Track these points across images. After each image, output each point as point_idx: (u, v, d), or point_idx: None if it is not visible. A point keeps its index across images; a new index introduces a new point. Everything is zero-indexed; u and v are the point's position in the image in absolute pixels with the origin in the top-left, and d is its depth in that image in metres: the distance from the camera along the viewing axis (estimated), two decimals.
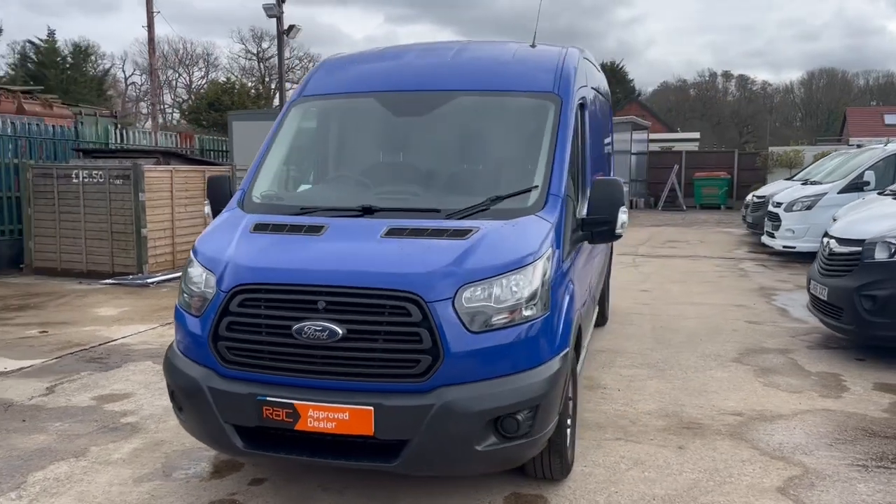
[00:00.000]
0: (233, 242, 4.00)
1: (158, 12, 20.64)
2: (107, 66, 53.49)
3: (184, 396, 3.83)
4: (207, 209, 4.85)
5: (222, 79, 52.67)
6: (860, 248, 6.78)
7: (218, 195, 4.77)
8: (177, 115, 55.84)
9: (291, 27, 21.64)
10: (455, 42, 5.45)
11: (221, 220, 4.39)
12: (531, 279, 3.72)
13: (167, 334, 7.57)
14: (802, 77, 73.06)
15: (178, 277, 4.25)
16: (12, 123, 12.11)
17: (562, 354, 3.86)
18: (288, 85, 35.01)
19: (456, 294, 3.54)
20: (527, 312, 3.68)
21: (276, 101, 41.06)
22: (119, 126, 16.38)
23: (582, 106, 5.29)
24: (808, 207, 13.27)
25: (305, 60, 54.70)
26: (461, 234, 3.84)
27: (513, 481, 4.24)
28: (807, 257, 11.08)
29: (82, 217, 11.23)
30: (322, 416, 3.51)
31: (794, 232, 13.32)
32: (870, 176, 12.79)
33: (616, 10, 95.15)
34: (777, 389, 6.00)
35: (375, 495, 4.08)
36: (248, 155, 8.95)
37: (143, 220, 10.92)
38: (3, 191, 11.92)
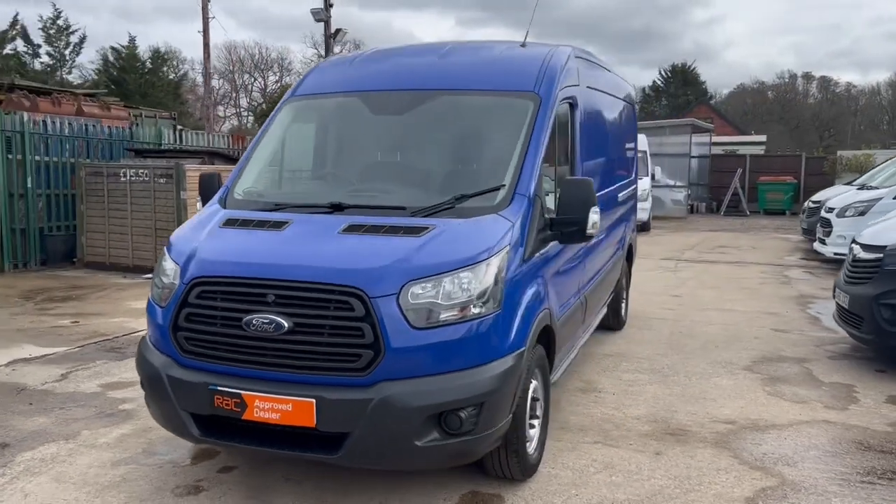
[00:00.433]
0: (201, 237, 4.15)
1: (213, 17, 21.36)
2: (185, 71, 55.58)
3: (147, 384, 4.00)
4: (199, 205, 5.03)
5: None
6: (882, 255, 6.49)
7: (208, 192, 4.94)
8: (251, 119, 57.45)
9: (338, 31, 22.06)
10: (447, 42, 5.49)
11: (198, 216, 4.55)
12: (482, 277, 3.73)
13: None
14: (891, 78, 69.53)
15: None
16: (70, 124, 12.74)
17: (516, 353, 3.85)
18: None
19: (401, 290, 3.58)
20: (476, 310, 3.69)
21: None
22: (177, 128, 17.02)
23: (572, 106, 5.25)
24: (862, 213, 12.69)
25: None
26: (415, 231, 3.88)
27: (473, 479, 4.24)
28: None
29: (129, 214, 11.72)
30: (267, 407, 3.60)
31: (845, 238, 12.70)
32: None
33: (693, 10, 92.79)
34: (780, 399, 5.79)
35: (330, 487, 4.15)
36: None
37: (185, 216, 11.30)
38: (60, 188, 12.55)
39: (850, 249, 7.19)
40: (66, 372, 6.33)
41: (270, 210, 4.39)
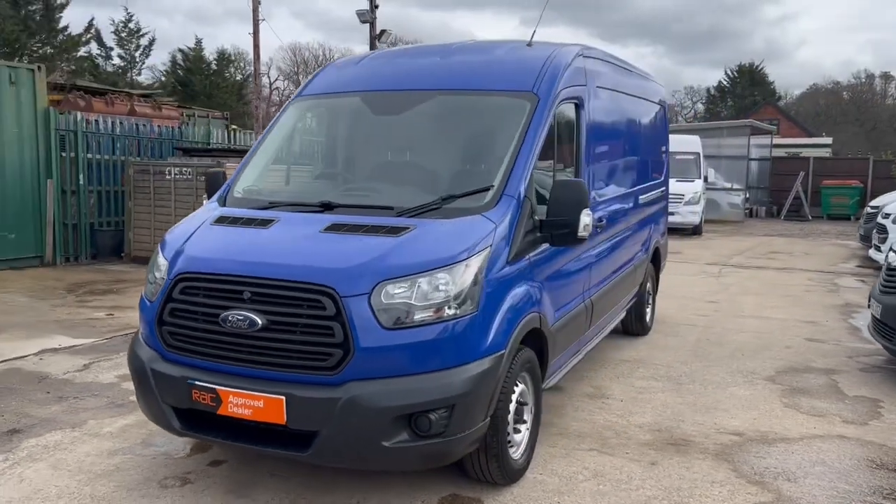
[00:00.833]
0: (192, 234, 4.23)
1: (263, 20, 21.81)
2: (250, 72, 56.85)
3: (135, 378, 4.10)
4: (205, 202, 5.13)
5: None
6: None
7: (213, 189, 5.04)
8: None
9: (383, 32, 22.22)
10: (453, 43, 5.46)
11: (194, 214, 4.64)
12: (459, 278, 3.69)
13: None
14: None
15: None
16: (121, 123, 13.19)
17: (494, 356, 3.80)
18: None
19: (373, 290, 3.58)
20: (451, 311, 3.66)
21: None
22: (229, 127, 17.44)
23: (577, 106, 5.16)
24: None
25: None
26: (395, 231, 3.87)
27: (454, 481, 4.21)
28: None
29: (173, 210, 12.06)
30: (240, 403, 3.65)
31: None
32: None
33: (764, 7, 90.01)
34: (796, 412, 5.57)
35: (312, 485, 4.17)
36: None
37: None
38: (111, 185, 13.01)
39: (887, 257, 6.87)
40: (89, 362, 6.54)
41: (264, 208, 4.44)
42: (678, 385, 6.17)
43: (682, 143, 20.21)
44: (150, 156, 13.55)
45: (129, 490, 4.10)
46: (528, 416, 4.38)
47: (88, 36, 41.32)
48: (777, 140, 31.47)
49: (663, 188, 8.21)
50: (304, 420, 3.57)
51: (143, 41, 46.76)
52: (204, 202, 5.12)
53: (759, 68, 62.16)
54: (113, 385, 5.93)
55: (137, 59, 47.14)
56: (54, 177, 11.98)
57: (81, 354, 6.82)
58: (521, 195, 4.20)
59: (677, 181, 18.94)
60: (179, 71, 47.51)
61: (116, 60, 46.59)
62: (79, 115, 12.42)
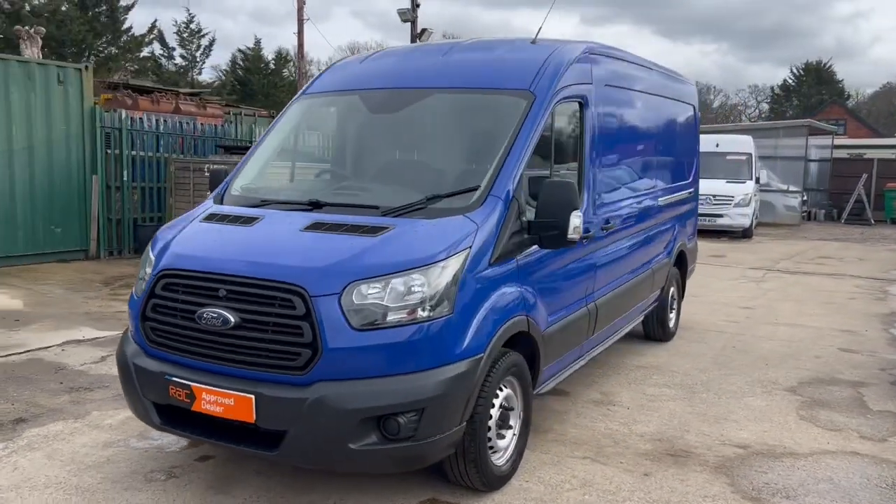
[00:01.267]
0: (180, 231, 4.27)
1: (308, 19, 22.10)
2: (308, 72, 57.73)
3: (119, 372, 4.16)
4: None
5: None
6: None
7: (216, 186, 5.08)
8: None
9: (424, 31, 22.24)
10: (458, 41, 5.39)
11: (189, 212, 4.68)
12: (434, 279, 3.63)
13: None
14: None
15: None
16: (165, 121, 13.50)
17: (471, 359, 3.73)
18: None
19: (343, 290, 3.54)
20: (424, 313, 3.60)
21: None
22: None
23: (582, 105, 5.03)
24: None
25: None
26: (373, 231, 3.83)
27: (435, 486, 4.15)
28: None
29: None
30: (212, 400, 3.66)
31: None
32: None
33: (835, 4, 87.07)
34: (812, 425, 5.32)
35: (292, 484, 4.17)
36: None
37: None
38: (154, 182, 13.33)
39: None
40: (107, 354, 6.70)
41: (255, 206, 4.46)
42: (691, 393, 5.97)
43: (733, 144, 19.69)
44: (192, 153, 13.84)
45: (113, 482, 4.16)
46: (514, 422, 4.29)
47: (151, 36, 42.71)
48: (841, 140, 30.33)
49: (691, 190, 7.97)
50: (273, 419, 3.56)
51: (204, 41, 48.03)
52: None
53: (828, 66, 60.08)
54: None
55: (198, 59, 48.40)
56: (99, 173, 12.33)
57: (102, 347, 6.99)
58: (509, 196, 4.11)
59: (727, 182, 18.50)
60: (239, 70, 48.58)
61: (178, 60, 47.91)
62: (124, 113, 12.77)
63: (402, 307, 3.58)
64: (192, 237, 4.17)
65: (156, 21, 49.96)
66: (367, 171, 4.79)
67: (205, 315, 3.68)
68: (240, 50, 49.14)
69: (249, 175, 4.97)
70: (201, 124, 14.21)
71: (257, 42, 50.34)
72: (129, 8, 38.97)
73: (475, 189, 4.12)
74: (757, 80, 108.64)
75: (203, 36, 48.22)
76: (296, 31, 23.03)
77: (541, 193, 4.17)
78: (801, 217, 24.12)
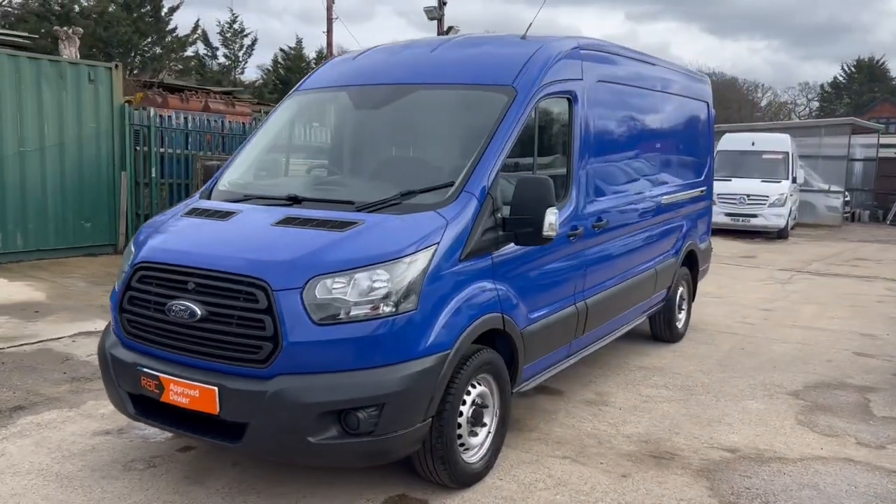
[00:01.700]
0: (160, 225, 4.35)
1: (337, 18, 22.25)
2: None
3: (99, 362, 4.25)
4: None
5: None
6: None
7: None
8: None
9: (450, 28, 22.19)
10: (448, 37, 5.38)
11: (174, 207, 4.76)
12: (399, 275, 3.63)
13: None
14: None
15: None
16: (192, 119, 13.75)
17: (437, 355, 3.72)
18: None
19: (306, 284, 3.56)
20: (387, 308, 3.60)
21: None
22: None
23: (570, 101, 4.98)
24: None
25: None
26: (342, 226, 3.84)
27: (406, 482, 4.15)
28: None
29: None
30: (179, 391, 3.72)
31: None
32: None
33: None
34: (808, 430, 5.17)
35: (264, 477, 4.21)
36: None
37: None
38: (182, 178, 13.59)
39: None
40: None
41: (238, 201, 4.51)
42: (689, 395, 5.85)
43: (769, 142, 19.27)
44: (221, 150, 14.06)
45: (93, 470, 4.26)
46: (489, 420, 4.26)
47: (195, 37, 43.43)
48: (888, 139, 29.39)
49: (703, 189, 7.81)
50: (235, 411, 3.60)
51: (246, 41, 48.70)
52: None
53: (881, 63, 58.39)
54: None
55: (240, 59, 49.12)
56: (128, 169, 12.62)
57: None
58: (483, 192, 4.09)
59: (762, 182, 18.12)
60: (280, 70, 49.18)
61: (221, 60, 48.71)
62: (152, 111, 13.03)
63: (365, 302, 3.58)
64: (169, 231, 4.24)
65: (199, 21, 50.79)
66: (349, 167, 4.82)
67: (174, 307, 3.74)
68: (281, 49, 49.81)
69: (238, 170, 5.03)
70: (229, 122, 14.44)
71: (298, 41, 50.91)
72: (174, 9, 39.79)
73: (450, 185, 4.11)
74: (808, 78, 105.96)
75: (245, 36, 48.91)
76: (325, 30, 23.19)
77: (515, 190, 4.13)
78: (844, 218, 23.49)
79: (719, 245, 16.15)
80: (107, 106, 12.33)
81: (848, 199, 24.16)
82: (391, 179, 4.45)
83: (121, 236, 12.66)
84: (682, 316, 7.58)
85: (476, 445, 4.19)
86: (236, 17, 49.97)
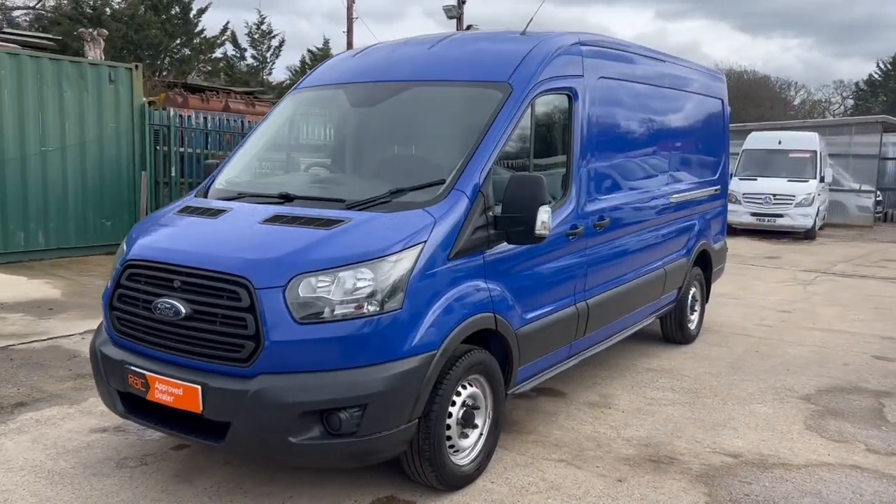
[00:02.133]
0: (152, 223, 4.35)
1: (357, 18, 22.26)
2: None
3: (90, 360, 4.26)
4: None
5: None
6: None
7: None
8: None
9: (469, 27, 22.07)
10: (447, 34, 5.32)
11: (168, 205, 4.76)
12: (384, 273, 3.58)
13: None
14: None
15: None
16: (211, 119, 13.85)
17: (423, 355, 3.66)
18: None
19: (289, 283, 3.52)
20: (371, 307, 3.56)
21: None
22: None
23: (570, 98, 4.89)
24: None
25: None
26: (328, 224, 3.80)
27: (395, 483, 4.10)
28: None
29: None
30: (164, 389, 3.71)
31: None
32: None
33: None
34: (817, 435, 5.02)
35: (253, 476, 4.19)
36: None
37: None
38: (201, 177, 13.66)
39: None
40: None
41: (231, 199, 4.49)
42: (695, 398, 5.72)
43: (796, 141, 18.90)
44: None
45: (85, 467, 4.27)
46: (480, 421, 4.19)
47: (224, 38, 43.85)
48: None
49: (717, 187, 7.65)
50: (218, 410, 3.58)
51: (274, 42, 49.05)
52: None
53: None
54: None
55: (268, 60, 49.48)
56: (148, 169, 12.74)
57: None
58: (475, 190, 4.02)
59: (788, 181, 17.79)
60: (308, 70, 49.51)
61: (249, 61, 49.12)
62: (172, 111, 13.16)
63: (349, 301, 3.54)
64: (160, 229, 4.24)
65: (227, 23, 51.28)
66: (344, 165, 4.79)
67: (160, 305, 3.73)
68: (309, 50, 50.14)
69: (234, 169, 5.03)
70: (248, 122, 14.52)
71: (326, 42, 51.09)
72: (202, 11, 40.21)
73: (441, 183, 4.05)
74: (844, 76, 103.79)
75: (273, 37, 49.28)
76: (345, 29, 23.23)
77: (507, 187, 4.06)
78: (875, 218, 22.94)
79: (744, 245, 15.89)
80: (127, 106, 12.47)
81: (880, 198, 23.60)
82: (385, 177, 4.40)
83: None
84: (694, 317, 7.43)
85: (467, 447, 4.12)
86: (264, 18, 50.14)
